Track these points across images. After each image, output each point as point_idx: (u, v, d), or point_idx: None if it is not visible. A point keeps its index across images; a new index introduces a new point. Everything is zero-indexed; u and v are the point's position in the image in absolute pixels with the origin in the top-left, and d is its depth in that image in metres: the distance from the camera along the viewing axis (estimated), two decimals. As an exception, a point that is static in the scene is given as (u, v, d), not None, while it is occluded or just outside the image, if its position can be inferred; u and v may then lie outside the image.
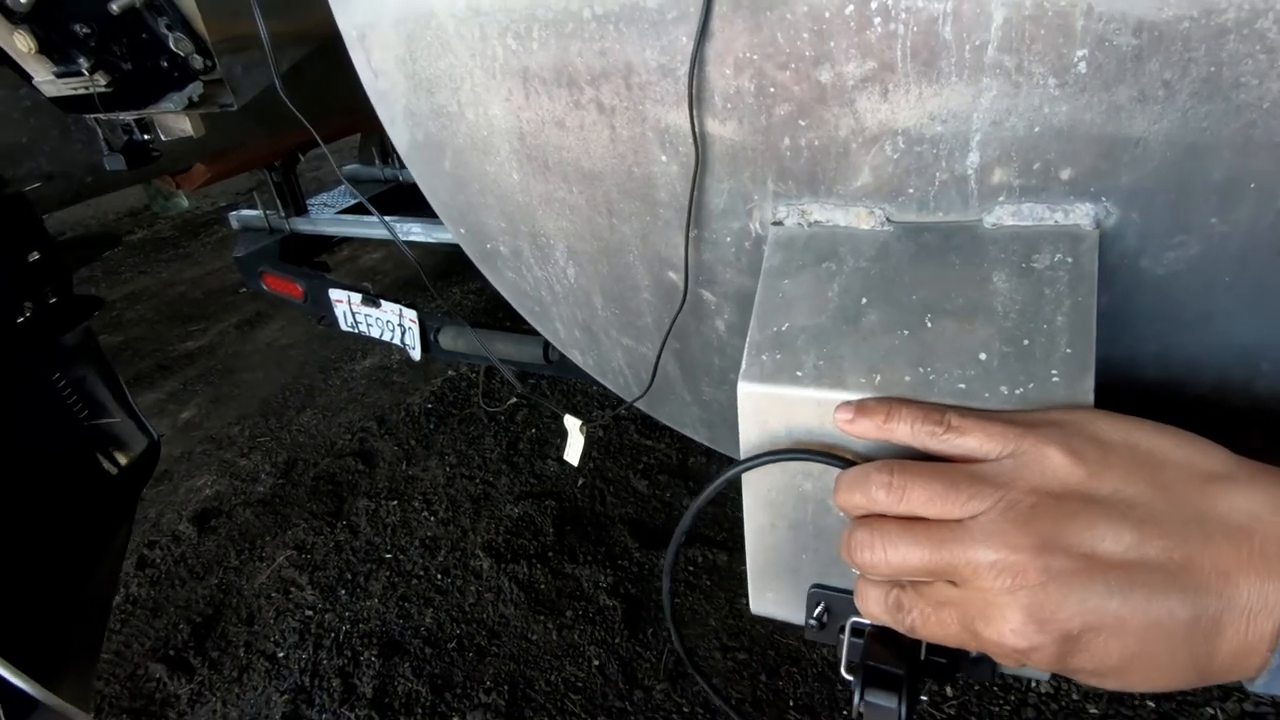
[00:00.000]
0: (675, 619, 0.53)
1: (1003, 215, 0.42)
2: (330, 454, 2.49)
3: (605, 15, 0.45)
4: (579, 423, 0.79)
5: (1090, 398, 0.36)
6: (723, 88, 0.44)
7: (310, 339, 3.24)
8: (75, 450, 1.17)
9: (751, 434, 0.44)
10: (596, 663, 1.66)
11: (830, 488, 0.41)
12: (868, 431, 0.39)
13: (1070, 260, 0.39)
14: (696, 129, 0.46)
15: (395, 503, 2.23)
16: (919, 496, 0.35)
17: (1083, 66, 0.36)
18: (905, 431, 0.37)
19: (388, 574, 1.98)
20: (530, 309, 0.69)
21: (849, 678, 0.42)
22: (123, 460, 1.24)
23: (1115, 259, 0.41)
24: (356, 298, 2.23)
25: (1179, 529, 0.32)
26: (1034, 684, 1.48)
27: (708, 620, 1.72)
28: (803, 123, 0.43)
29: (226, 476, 2.44)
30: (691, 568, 1.87)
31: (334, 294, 2.25)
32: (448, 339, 2.06)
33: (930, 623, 0.36)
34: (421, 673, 1.68)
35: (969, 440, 0.36)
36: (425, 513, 2.17)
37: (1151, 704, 1.43)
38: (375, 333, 2.26)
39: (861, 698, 0.40)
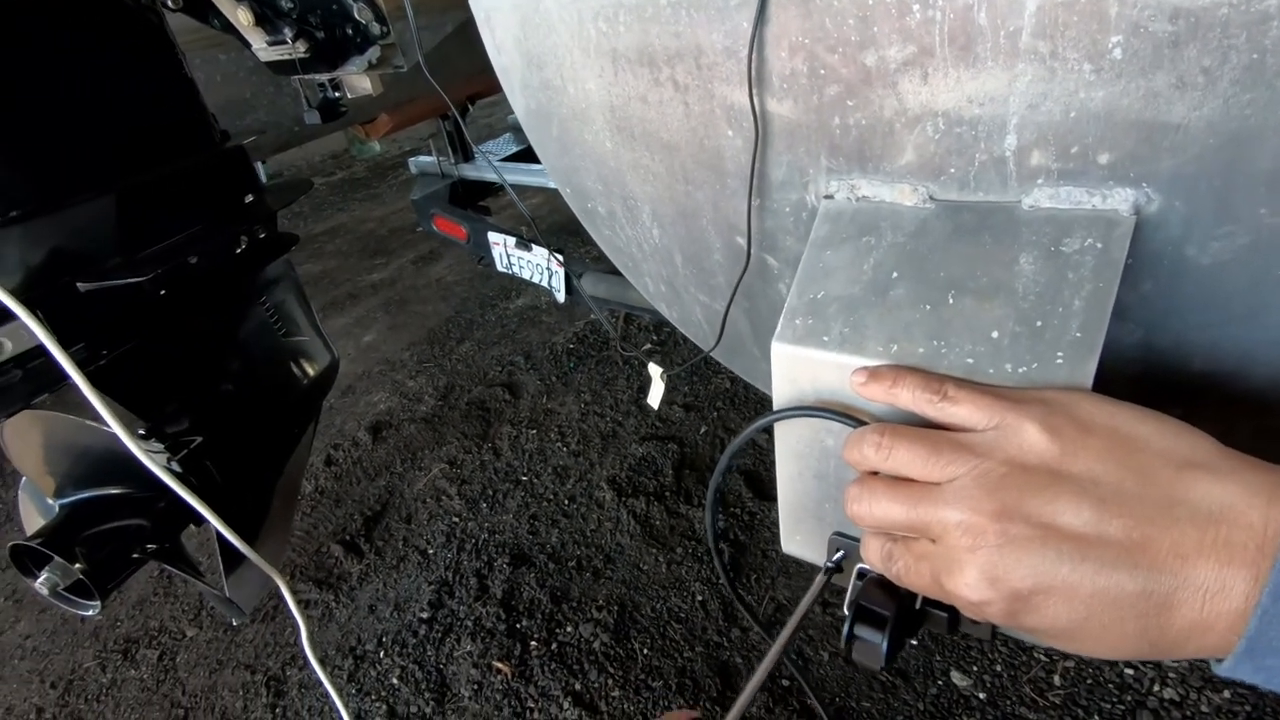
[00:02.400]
0: (718, 546, 0.59)
1: (1040, 197, 0.42)
2: (482, 383, 2.75)
3: (678, 0, 0.50)
4: (660, 370, 0.86)
5: (1089, 382, 0.37)
6: (779, 69, 0.48)
7: (473, 277, 3.54)
8: (275, 360, 1.41)
9: (782, 389, 0.49)
10: (700, 598, 1.76)
11: (846, 446, 0.45)
12: (876, 395, 0.42)
13: (1100, 246, 0.40)
14: (756, 107, 0.50)
15: (534, 432, 2.44)
16: (903, 457, 0.39)
17: (1118, 53, 0.36)
18: (907, 397, 0.41)
19: (522, 494, 2.19)
20: (624, 264, 0.76)
21: (847, 613, 0.47)
22: (310, 372, 1.48)
23: (1159, 245, 0.40)
24: (511, 241, 2.41)
25: (1142, 510, 0.33)
26: (1156, 687, 1.39)
27: (813, 575, 1.76)
28: (850, 103, 0.46)
29: (397, 395, 2.78)
30: (801, 522, 1.90)
31: (492, 236, 2.45)
32: (589, 284, 2.19)
33: (911, 573, 0.40)
34: (544, 583, 1.88)
35: (960, 409, 0.38)
36: (559, 443, 2.37)
37: (1300, 731, 1.29)
38: (526, 274, 2.45)
39: (851, 631, 0.45)
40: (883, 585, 0.46)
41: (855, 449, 0.41)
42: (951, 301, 0.43)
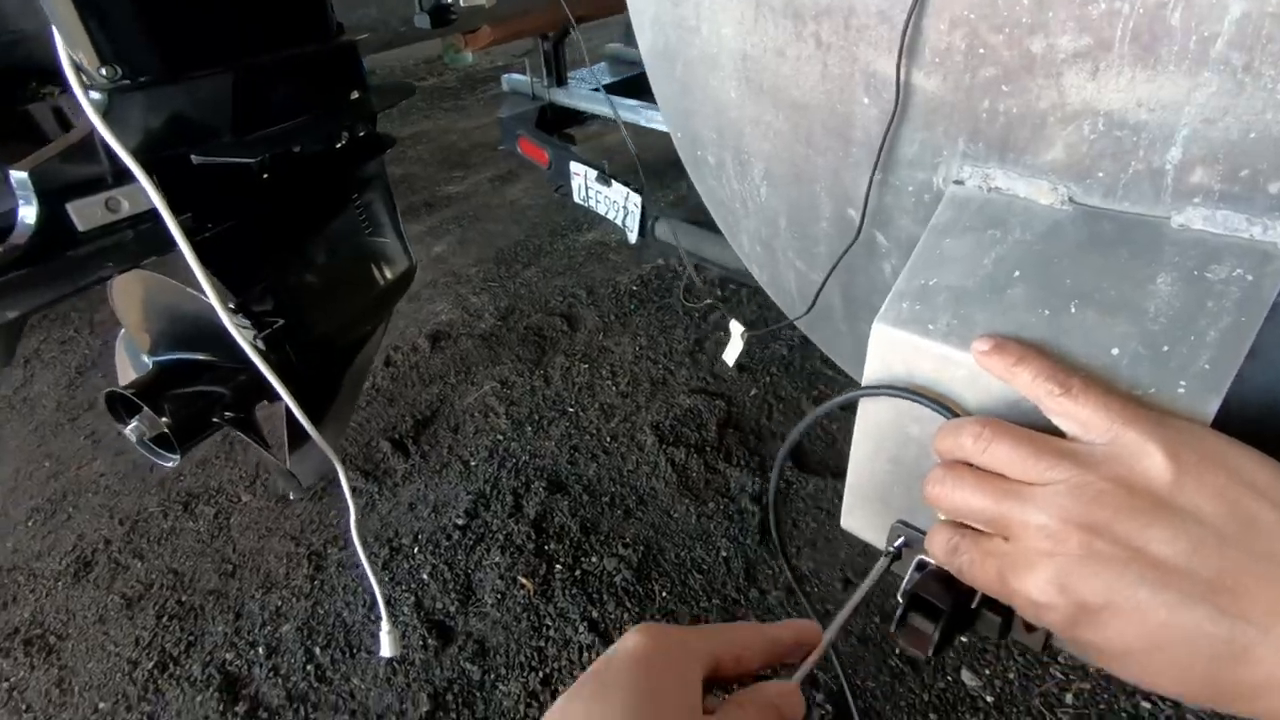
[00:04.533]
0: (780, 527, 0.61)
1: (1193, 217, 0.40)
2: (542, 310, 2.79)
3: (840, -46, 0.48)
4: (742, 328, 0.86)
5: (1209, 418, 0.36)
6: (934, 42, 0.46)
7: (547, 204, 3.55)
8: (358, 257, 1.45)
9: (875, 369, 0.48)
10: (724, 554, 1.79)
11: (933, 436, 0.45)
12: (995, 368, 0.41)
13: (1250, 279, 0.38)
14: (901, 78, 0.48)
15: (586, 366, 2.47)
16: (1002, 453, 0.38)
17: (1324, 76, 0.33)
18: (1027, 379, 0.39)
19: (567, 424, 2.24)
20: (724, 217, 0.76)
21: (901, 601, 0.47)
22: (388, 273, 1.52)
23: (1312, 288, 0.38)
24: (592, 174, 2.40)
25: (1242, 559, 0.32)
26: (1170, 724, 1.37)
27: (838, 551, 1.77)
28: (1005, 88, 0.44)
29: (459, 309, 2.84)
30: (830, 495, 1.90)
31: (574, 166, 2.44)
32: (663, 229, 2.17)
33: (975, 567, 0.40)
34: (576, 513, 1.94)
35: (1081, 411, 0.37)
36: (609, 381, 2.40)
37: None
38: (602, 210, 2.45)
39: (904, 616, 0.46)
40: (940, 579, 0.47)
41: (951, 437, 0.41)
42: (1074, 311, 0.41)
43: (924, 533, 0.50)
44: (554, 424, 2.24)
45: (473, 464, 2.13)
